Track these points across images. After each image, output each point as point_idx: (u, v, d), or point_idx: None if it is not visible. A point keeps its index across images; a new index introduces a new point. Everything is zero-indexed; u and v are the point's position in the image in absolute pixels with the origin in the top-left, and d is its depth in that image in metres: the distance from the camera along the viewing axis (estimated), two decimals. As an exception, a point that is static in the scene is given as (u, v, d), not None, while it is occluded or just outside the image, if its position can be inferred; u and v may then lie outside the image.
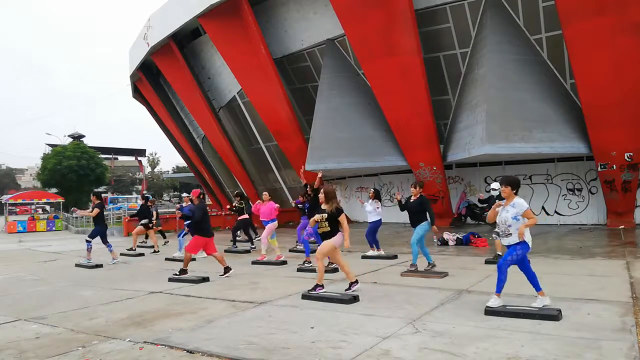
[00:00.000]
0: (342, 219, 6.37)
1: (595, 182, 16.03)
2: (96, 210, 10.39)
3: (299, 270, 8.63)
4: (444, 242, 12.05)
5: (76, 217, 30.28)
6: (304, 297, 6.16)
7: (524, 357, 3.76)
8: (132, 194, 65.19)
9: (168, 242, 14.40)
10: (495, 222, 5.45)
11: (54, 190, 41.53)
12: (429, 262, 7.97)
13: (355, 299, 5.91)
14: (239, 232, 13.34)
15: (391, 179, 20.50)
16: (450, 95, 16.93)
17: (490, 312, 5.01)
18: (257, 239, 13.54)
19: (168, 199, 71.66)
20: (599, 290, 6.07)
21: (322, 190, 6.65)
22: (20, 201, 31.63)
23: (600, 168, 14.43)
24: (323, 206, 6.49)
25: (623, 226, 13.98)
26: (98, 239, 10.58)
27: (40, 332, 5.02)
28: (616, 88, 12.80)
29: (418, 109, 15.69)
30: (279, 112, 19.41)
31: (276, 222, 10.34)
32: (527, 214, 5.10)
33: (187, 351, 4.18)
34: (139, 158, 69.68)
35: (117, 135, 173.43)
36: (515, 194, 5.26)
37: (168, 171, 79.25)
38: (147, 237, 13.95)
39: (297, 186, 23.10)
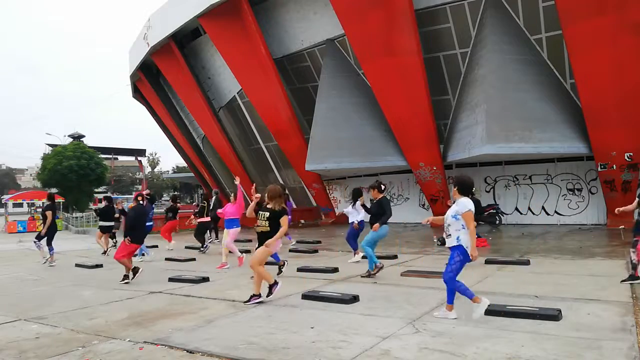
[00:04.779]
0: (284, 220, 6.01)
1: (595, 182, 16.02)
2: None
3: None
4: (444, 242, 12.02)
5: (76, 217, 30.30)
6: (304, 297, 6.16)
7: (524, 357, 3.75)
8: (132, 194, 65.15)
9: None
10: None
11: (54, 190, 41.51)
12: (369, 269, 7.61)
13: (355, 299, 5.91)
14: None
15: (391, 179, 20.48)
16: (450, 95, 16.93)
17: (490, 312, 5.01)
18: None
19: (168, 199, 71.67)
20: (599, 290, 6.06)
21: (268, 190, 6.18)
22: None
23: (600, 168, 14.43)
24: (268, 205, 6.12)
25: (623, 226, 13.94)
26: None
27: (40, 332, 5.02)
28: (616, 88, 12.80)
29: (418, 109, 15.69)
30: (279, 112, 19.42)
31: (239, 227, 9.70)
32: (466, 216, 4.66)
33: (187, 351, 4.18)
34: (139, 158, 69.60)
35: (117, 135, 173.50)
36: (465, 195, 4.92)
37: (168, 171, 79.35)
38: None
39: (297, 186, 23.12)
